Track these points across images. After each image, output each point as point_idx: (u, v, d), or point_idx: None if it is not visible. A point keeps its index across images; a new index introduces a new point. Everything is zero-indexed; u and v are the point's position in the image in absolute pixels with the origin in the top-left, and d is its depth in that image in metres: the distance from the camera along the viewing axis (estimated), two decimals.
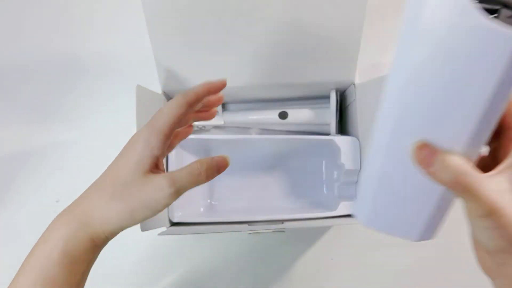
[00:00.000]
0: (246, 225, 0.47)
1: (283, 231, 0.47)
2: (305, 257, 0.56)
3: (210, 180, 0.30)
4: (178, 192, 0.28)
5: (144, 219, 0.28)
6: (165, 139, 0.29)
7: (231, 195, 0.53)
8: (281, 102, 0.56)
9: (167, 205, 0.28)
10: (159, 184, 0.27)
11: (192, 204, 0.51)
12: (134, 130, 0.34)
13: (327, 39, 0.43)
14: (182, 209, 0.48)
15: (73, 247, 0.27)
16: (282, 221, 0.47)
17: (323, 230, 0.55)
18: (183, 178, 0.28)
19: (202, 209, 0.52)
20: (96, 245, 0.29)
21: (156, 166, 0.29)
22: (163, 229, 0.45)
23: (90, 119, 0.58)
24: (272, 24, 0.41)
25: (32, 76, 0.59)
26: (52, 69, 0.59)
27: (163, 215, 0.46)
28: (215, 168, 0.30)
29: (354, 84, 0.50)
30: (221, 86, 0.33)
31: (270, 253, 0.55)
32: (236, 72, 0.47)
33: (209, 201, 0.53)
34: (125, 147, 0.30)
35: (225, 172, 0.51)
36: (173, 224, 0.48)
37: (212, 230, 0.46)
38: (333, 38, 0.43)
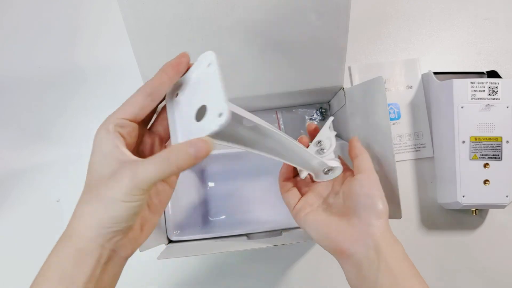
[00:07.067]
0: (245, 237, 0.47)
1: (280, 234, 0.47)
2: (305, 256, 0.55)
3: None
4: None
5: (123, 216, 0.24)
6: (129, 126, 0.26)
7: (228, 209, 0.53)
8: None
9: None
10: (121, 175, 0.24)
11: (190, 221, 0.51)
12: None
13: (313, 47, 0.44)
14: (180, 227, 0.48)
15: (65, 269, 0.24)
16: (280, 231, 0.47)
17: None
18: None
19: (200, 226, 0.52)
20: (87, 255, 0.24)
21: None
22: (162, 247, 0.45)
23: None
24: (256, 36, 0.42)
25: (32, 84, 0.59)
26: (54, 75, 0.59)
27: (161, 235, 0.46)
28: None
29: (343, 89, 0.50)
30: (182, 63, 0.29)
31: (270, 253, 0.55)
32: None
33: (207, 217, 0.53)
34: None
35: (221, 186, 0.51)
36: (171, 242, 0.47)
37: (213, 250, 0.46)
38: (318, 45, 0.43)
